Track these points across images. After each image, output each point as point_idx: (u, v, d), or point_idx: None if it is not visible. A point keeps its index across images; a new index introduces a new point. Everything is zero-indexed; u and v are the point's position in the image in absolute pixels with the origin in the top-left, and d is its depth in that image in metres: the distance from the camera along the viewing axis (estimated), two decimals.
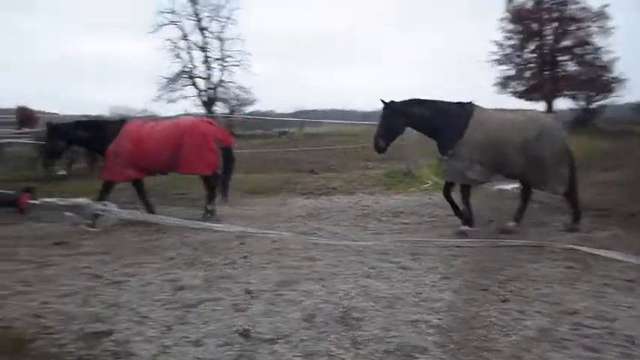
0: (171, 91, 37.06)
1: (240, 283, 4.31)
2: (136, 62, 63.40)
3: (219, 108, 36.27)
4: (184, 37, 37.28)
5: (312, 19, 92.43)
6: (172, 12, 36.49)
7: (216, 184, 7.22)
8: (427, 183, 10.46)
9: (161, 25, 36.06)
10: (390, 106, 6.37)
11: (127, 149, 6.92)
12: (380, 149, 6.46)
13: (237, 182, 8.48)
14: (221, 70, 37.95)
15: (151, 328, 3.43)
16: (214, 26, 38.08)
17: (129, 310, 3.73)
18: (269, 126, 31.36)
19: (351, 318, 3.56)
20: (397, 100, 6.35)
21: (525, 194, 6.49)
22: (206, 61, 38.00)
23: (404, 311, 3.70)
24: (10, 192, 5.73)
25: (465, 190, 6.29)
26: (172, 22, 36.70)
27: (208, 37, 38.10)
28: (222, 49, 37.92)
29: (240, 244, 5.63)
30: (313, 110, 40.18)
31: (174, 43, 36.81)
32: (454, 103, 6.45)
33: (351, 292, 4.06)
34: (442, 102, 6.44)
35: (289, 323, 3.49)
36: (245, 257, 5.10)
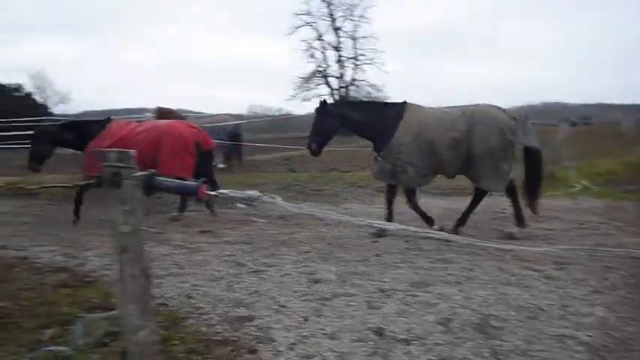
0: (306, 90, 38.55)
1: (373, 280, 4.33)
2: (273, 63, 66.81)
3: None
4: (319, 37, 38.53)
5: (449, 12, 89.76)
6: (308, 14, 37.89)
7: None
8: (575, 187, 9.61)
9: (297, 27, 37.65)
10: (322, 108, 6.29)
11: (105, 146, 6.72)
12: (313, 152, 6.33)
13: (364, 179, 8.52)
14: (354, 68, 38.61)
15: (289, 317, 3.58)
16: (348, 25, 38.85)
17: (269, 299, 3.93)
18: None
19: (489, 326, 3.39)
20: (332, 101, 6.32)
21: (476, 194, 6.15)
22: (339, 60, 38.94)
23: (548, 324, 3.43)
24: (193, 183, 6.36)
25: (409, 193, 6.16)
26: (308, 24, 38.12)
27: (342, 36, 38.98)
28: (355, 48, 38.57)
29: (373, 242, 5.66)
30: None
31: (309, 43, 38.20)
32: (387, 104, 6.42)
33: (489, 299, 3.87)
34: (375, 103, 6.57)
35: (424, 325, 3.42)
36: (378, 255, 5.11)
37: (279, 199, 1.71)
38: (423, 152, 5.86)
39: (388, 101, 6.38)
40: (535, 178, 6.02)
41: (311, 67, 39.07)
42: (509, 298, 3.90)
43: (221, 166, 12.87)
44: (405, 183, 6.05)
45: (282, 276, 4.51)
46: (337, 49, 39.27)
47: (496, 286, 4.17)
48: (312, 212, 1.99)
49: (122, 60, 55.74)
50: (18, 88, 32.46)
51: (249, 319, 3.57)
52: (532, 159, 5.98)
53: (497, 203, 7.87)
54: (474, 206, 6.19)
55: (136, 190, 1.63)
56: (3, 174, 12.45)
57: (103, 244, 5.93)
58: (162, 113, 13.66)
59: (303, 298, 3.94)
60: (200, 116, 14.62)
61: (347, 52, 39.38)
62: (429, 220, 6.13)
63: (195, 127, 7.80)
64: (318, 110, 6.33)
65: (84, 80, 52.08)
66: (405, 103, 6.26)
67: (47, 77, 40.90)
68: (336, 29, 39.09)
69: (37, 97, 33.82)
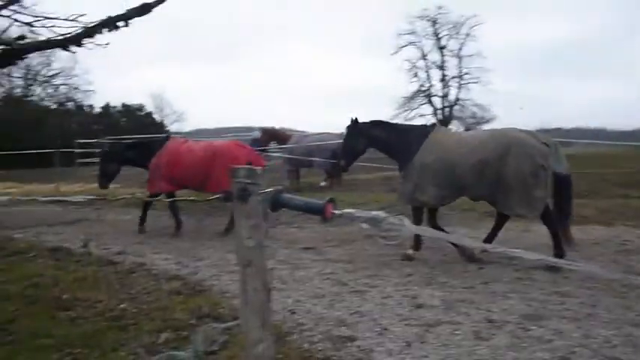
0: (408, 109, 38.28)
1: (480, 309, 4.10)
2: (377, 82, 67.07)
3: (454, 127, 36.17)
4: (423, 56, 38.20)
5: (559, 27, 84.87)
6: (412, 33, 37.76)
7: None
8: None
9: (401, 47, 37.62)
10: (353, 127, 6.46)
11: (164, 163, 7.60)
12: (342, 168, 7.00)
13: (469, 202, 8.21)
14: (458, 87, 37.75)
15: (392, 341, 3.49)
16: (453, 44, 38.15)
17: (371, 320, 3.87)
18: None
19: None
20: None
21: (499, 218, 5.98)
22: (443, 79, 38.27)
23: None
24: (319, 202, 6.52)
25: (417, 212, 6.05)
26: (411, 43, 37.95)
27: (447, 55, 38.35)
28: (460, 67, 37.73)
29: (480, 268, 5.40)
30: (556, 129, 36.90)
31: (413, 62, 37.98)
32: (416, 126, 6.66)
33: (612, 340, 3.51)
34: (402, 125, 6.79)
35: None
36: (486, 283, 4.86)
37: (406, 221, 1.68)
38: (441, 173, 5.78)
39: (418, 124, 6.86)
40: (565, 205, 5.70)
41: (414, 87, 38.83)
42: (636, 340, 3.51)
43: (323, 184, 13.08)
44: (426, 202, 5.95)
45: (384, 298, 4.44)
46: (441, 67, 38.73)
47: (621, 325, 3.78)
48: (447, 238, 1.93)
49: (236, 81, 59.19)
50: (140, 108, 35.54)
51: (352, 339, 3.54)
52: (561, 186, 5.61)
53: (617, 234, 7.22)
54: (497, 231, 6.00)
55: (261, 206, 1.68)
56: (125, 186, 13.58)
57: (213, 255, 6.24)
58: (267, 132, 14.23)
59: (405, 323, 3.84)
60: (303, 135, 14.98)
61: (451, 70, 38.71)
62: (416, 245, 6.03)
63: (246, 148, 8.14)
64: (348, 128, 6.50)
65: (200, 101, 55.78)
66: (433, 125, 6.44)
67: (166, 98, 44.29)
68: (441, 48, 38.59)
69: (156, 116, 36.70)
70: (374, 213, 1.65)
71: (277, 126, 14.72)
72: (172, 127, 34.37)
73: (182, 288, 4.74)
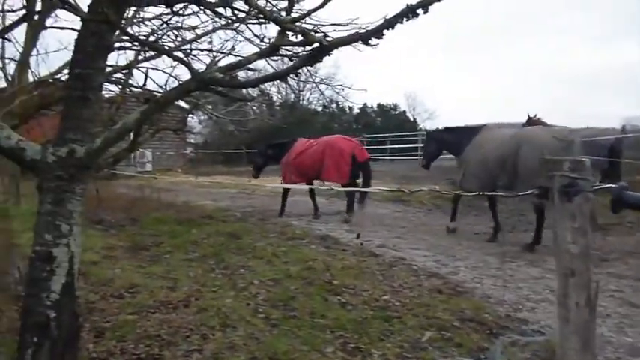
0: None
1: None
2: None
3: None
4: None
5: None
6: None
7: (351, 192, 8.35)
8: None
9: None
10: (428, 135, 9.39)
11: (292, 160, 9.09)
12: (424, 167, 8.86)
13: None
14: None
15: None
16: None
17: None
18: None
19: None
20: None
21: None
22: None
23: None
24: None
25: (457, 197, 7.51)
26: None
27: None
28: None
29: None
30: None
31: None
32: (472, 127, 7.98)
33: None
34: (463, 127, 8.19)
35: None
36: None
37: None
38: (479, 166, 6.97)
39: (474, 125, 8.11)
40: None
41: None
42: None
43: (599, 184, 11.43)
44: (468, 189, 6.69)
45: None
46: None
47: None
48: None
49: (486, 75, 56.65)
50: (395, 107, 36.97)
51: None
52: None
53: None
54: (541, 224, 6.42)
55: (587, 205, 1.44)
56: (384, 182, 14.24)
57: (472, 256, 6.01)
58: (533, 122, 13.08)
59: None
60: (572, 131, 13.36)
61: None
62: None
63: (353, 141, 9.23)
64: (425, 136, 8.12)
65: (450, 97, 55.03)
66: (484, 125, 7.75)
67: (418, 96, 45.15)
68: None
69: (409, 115, 37.63)
70: None
71: (540, 119, 13.38)
72: (425, 125, 34.76)
73: (443, 287, 4.64)
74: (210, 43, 3.68)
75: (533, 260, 5.71)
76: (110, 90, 4.42)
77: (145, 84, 3.85)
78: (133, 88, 4.17)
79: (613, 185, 1.48)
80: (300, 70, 1.90)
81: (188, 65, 1.92)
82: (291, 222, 8.49)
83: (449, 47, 58.72)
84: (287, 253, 5.83)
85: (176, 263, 5.43)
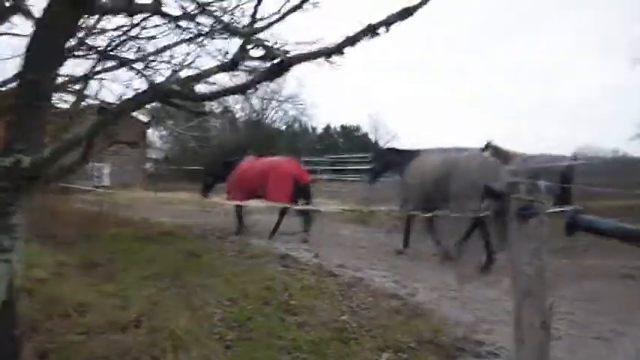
0: None
1: None
2: (609, 97, 58.56)
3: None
4: None
5: None
6: None
7: (287, 212, 8.89)
8: None
9: None
10: (374, 153, 10.39)
11: (234, 179, 9.46)
12: (369, 183, 9.76)
13: None
14: None
15: None
16: None
17: None
18: None
19: None
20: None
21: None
22: None
23: None
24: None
25: (408, 220, 7.85)
26: None
27: None
28: None
29: None
30: None
31: None
32: (412, 151, 8.59)
33: None
34: (405, 150, 8.71)
35: None
36: None
37: None
38: (414, 189, 7.61)
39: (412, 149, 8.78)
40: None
41: None
42: None
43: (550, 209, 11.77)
44: (406, 210, 7.71)
45: (639, 349, 3.69)
46: None
47: None
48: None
49: (448, 97, 58.03)
50: (357, 129, 37.45)
51: None
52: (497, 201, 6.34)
53: None
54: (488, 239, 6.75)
55: (543, 228, 1.45)
56: (346, 203, 14.28)
57: (431, 277, 6.05)
58: (494, 149, 13.39)
59: None
60: (527, 156, 13.78)
61: None
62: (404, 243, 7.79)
63: (295, 164, 9.61)
64: (372, 153, 9.84)
65: (414, 119, 55.93)
66: (418, 151, 8.52)
67: (381, 119, 45.77)
68: None
69: (371, 137, 38.14)
70: None
71: (497, 145, 13.72)
72: (386, 147, 35.25)
73: (401, 308, 4.65)
74: (172, 56, 3.62)
75: (490, 282, 5.79)
76: (66, 100, 4.27)
77: (99, 94, 3.74)
78: (90, 100, 4.04)
79: (569, 208, 1.50)
80: (259, 85, 1.88)
81: (145, 76, 1.87)
82: (250, 241, 8.38)
83: (414, 67, 59.96)
84: (245, 272, 5.73)
85: (130, 281, 5.23)
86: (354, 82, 55.21)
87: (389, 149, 9.15)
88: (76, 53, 3.53)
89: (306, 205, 9.14)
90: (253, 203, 9.45)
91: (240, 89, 1.91)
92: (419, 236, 8.00)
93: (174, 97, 1.81)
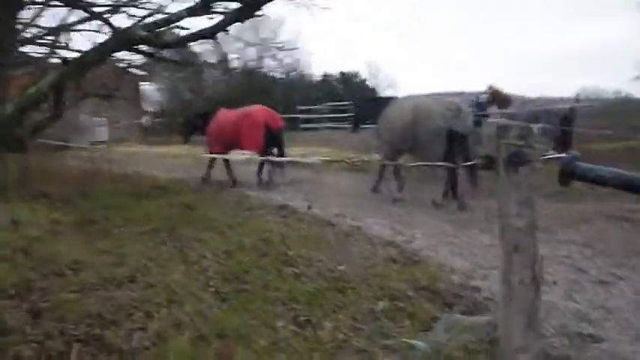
0: None
1: None
2: (612, 41, 57.41)
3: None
4: None
5: None
6: None
7: (265, 161, 8.87)
8: None
9: None
10: (354, 103, 11.09)
11: (212, 130, 9.59)
12: (352, 131, 10.59)
13: None
14: None
15: None
16: None
17: (622, 320, 3.23)
18: None
19: None
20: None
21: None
22: None
23: None
24: None
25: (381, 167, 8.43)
26: None
27: None
28: None
29: None
30: None
31: None
32: (387, 98, 9.76)
33: None
34: (381, 98, 10.39)
35: None
36: None
37: None
38: (388, 134, 7.90)
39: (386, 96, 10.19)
40: (464, 159, 6.98)
41: None
42: None
43: (551, 153, 11.62)
44: (382, 156, 8.06)
45: (637, 294, 3.68)
46: None
47: None
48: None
49: (449, 45, 56.93)
50: (356, 75, 36.68)
51: (596, 339, 2.98)
52: (458, 142, 7.11)
53: None
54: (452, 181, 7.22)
55: (532, 176, 1.34)
56: (343, 150, 14.13)
57: (428, 224, 6.02)
58: (493, 92, 13.15)
59: None
60: (527, 99, 13.54)
61: None
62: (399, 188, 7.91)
63: (268, 111, 9.35)
64: (353, 103, 10.11)
65: (414, 66, 55.08)
66: (392, 97, 9.40)
67: (379, 65, 44.88)
68: None
69: (370, 83, 37.37)
70: None
71: (499, 89, 13.41)
72: (386, 93, 34.57)
73: (398, 256, 4.63)
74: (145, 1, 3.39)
75: (484, 229, 5.75)
76: (38, 53, 4.07)
77: (68, 45, 3.52)
78: (59, 50, 3.84)
79: (564, 154, 1.39)
80: (230, 28, 1.72)
81: (111, 24, 1.72)
82: (248, 192, 8.32)
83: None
84: (242, 225, 5.68)
85: (126, 238, 5.19)
86: (350, 34, 54.04)
87: (369, 99, 10.24)
88: (44, 3, 3.32)
89: (280, 151, 9.22)
90: (235, 156, 9.47)
91: (210, 32, 1.77)
92: (417, 183, 7.95)
93: (139, 43, 1.68)
